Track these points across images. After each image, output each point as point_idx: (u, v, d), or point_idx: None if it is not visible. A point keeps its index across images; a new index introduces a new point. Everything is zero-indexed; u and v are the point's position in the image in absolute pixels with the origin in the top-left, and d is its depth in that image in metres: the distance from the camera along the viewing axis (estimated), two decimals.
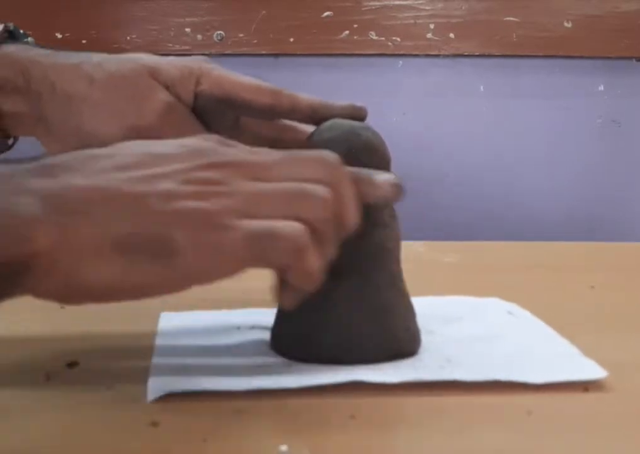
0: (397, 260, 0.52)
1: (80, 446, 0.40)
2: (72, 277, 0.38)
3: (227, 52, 1.19)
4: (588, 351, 0.50)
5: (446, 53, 1.22)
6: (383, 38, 1.21)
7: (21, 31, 0.61)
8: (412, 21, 1.21)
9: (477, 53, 1.22)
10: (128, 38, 1.19)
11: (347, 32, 1.21)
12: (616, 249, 0.93)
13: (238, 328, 0.56)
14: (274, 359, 0.50)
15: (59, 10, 1.18)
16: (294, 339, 0.50)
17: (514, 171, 1.25)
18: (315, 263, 0.43)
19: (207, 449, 0.40)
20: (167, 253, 0.39)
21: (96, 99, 0.55)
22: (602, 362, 0.48)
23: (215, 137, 0.45)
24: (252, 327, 0.56)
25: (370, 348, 0.49)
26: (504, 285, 0.70)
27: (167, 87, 0.56)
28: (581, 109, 1.25)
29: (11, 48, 0.57)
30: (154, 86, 0.56)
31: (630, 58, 1.24)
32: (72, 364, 0.50)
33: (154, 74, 0.56)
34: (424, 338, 0.53)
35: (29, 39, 0.61)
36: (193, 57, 0.59)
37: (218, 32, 1.20)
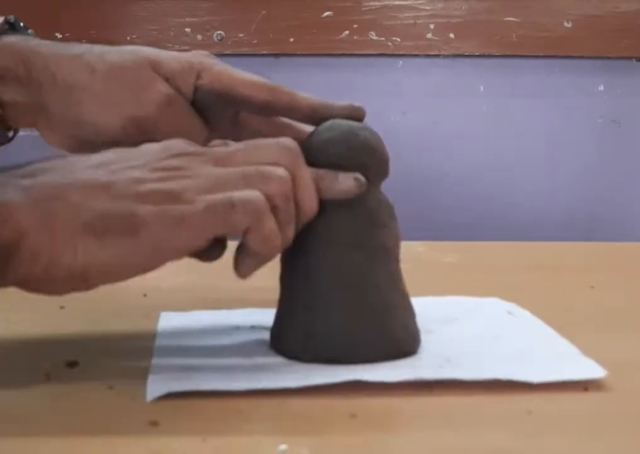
0: (396, 260, 0.52)
1: (80, 445, 0.40)
2: (51, 259, 0.42)
3: (227, 52, 1.19)
4: (587, 351, 0.50)
5: (446, 53, 1.22)
6: (383, 38, 1.21)
7: (22, 24, 0.61)
8: (412, 21, 1.21)
9: (477, 53, 1.22)
10: (128, 38, 1.19)
11: (347, 32, 1.21)
12: (616, 249, 0.93)
13: (238, 328, 0.56)
14: (274, 359, 0.50)
15: (59, 10, 1.18)
16: (294, 339, 0.50)
17: (514, 171, 1.25)
18: (274, 228, 0.46)
19: (207, 449, 0.40)
20: (133, 228, 0.43)
21: (96, 89, 0.56)
22: (602, 362, 0.48)
23: (185, 140, 0.49)
24: (252, 327, 0.56)
25: (369, 348, 0.49)
26: (504, 285, 0.70)
27: (167, 80, 0.56)
28: (581, 109, 1.25)
29: (12, 39, 0.57)
30: (154, 78, 0.56)
31: (630, 58, 1.24)
32: (72, 364, 0.50)
33: (154, 66, 0.56)
34: (424, 338, 0.53)
35: (30, 31, 0.61)
36: (194, 51, 0.60)
37: (218, 32, 1.20)
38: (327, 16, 1.20)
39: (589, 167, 1.26)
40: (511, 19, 1.21)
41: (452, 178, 1.25)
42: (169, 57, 0.58)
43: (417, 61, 1.23)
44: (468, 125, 1.25)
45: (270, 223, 0.45)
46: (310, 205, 0.48)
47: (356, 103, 0.55)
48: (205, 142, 0.52)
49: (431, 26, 1.21)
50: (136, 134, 0.55)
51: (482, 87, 1.24)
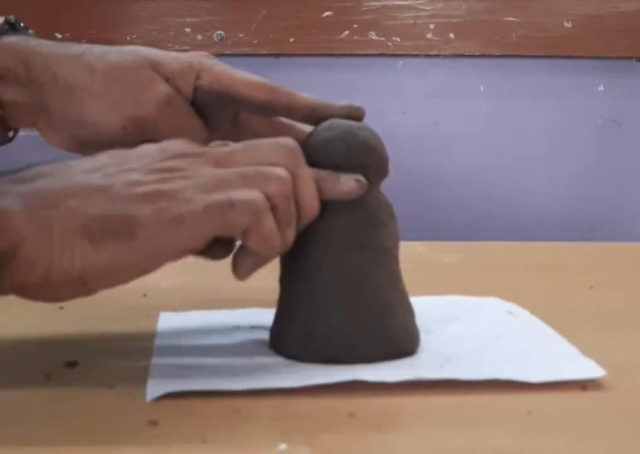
0: (396, 260, 0.52)
1: (80, 445, 0.40)
2: (50, 265, 0.41)
3: (227, 52, 1.19)
4: (587, 351, 0.50)
5: (446, 53, 1.22)
6: (383, 38, 1.21)
7: (22, 24, 0.61)
8: (412, 21, 1.21)
9: (477, 53, 1.22)
10: (128, 38, 1.19)
11: (347, 32, 1.21)
12: (616, 249, 0.93)
13: (238, 328, 0.56)
14: (274, 359, 0.50)
15: (59, 10, 1.18)
16: (294, 339, 0.50)
17: (514, 171, 1.25)
18: (273, 228, 0.45)
19: (207, 449, 0.40)
20: (131, 230, 0.42)
21: (96, 89, 0.56)
22: (601, 362, 0.48)
23: (185, 141, 0.49)
24: (252, 327, 0.56)
25: (369, 348, 0.49)
26: (504, 285, 0.70)
27: (167, 80, 0.56)
28: (581, 109, 1.25)
29: (12, 39, 0.58)
30: (154, 78, 0.56)
31: (630, 58, 1.24)
32: (72, 364, 0.50)
33: (154, 66, 0.57)
34: (424, 337, 0.53)
35: (30, 31, 0.61)
36: (194, 52, 0.60)
37: (218, 32, 1.20)
38: (327, 16, 1.20)
39: (589, 167, 1.26)
40: (511, 19, 1.21)
41: (452, 178, 1.25)
42: (169, 57, 0.58)
43: (417, 61, 1.23)
44: (468, 125, 1.25)
45: (270, 223, 0.45)
46: (312, 205, 0.48)
47: (356, 103, 0.55)
48: (205, 143, 0.51)
49: (431, 26, 1.21)
50: (136, 134, 0.55)
51: (482, 87, 1.24)
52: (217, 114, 0.58)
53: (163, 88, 0.56)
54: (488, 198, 1.25)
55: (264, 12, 1.20)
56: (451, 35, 1.21)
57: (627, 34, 1.22)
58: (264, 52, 1.21)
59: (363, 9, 1.21)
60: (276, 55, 1.22)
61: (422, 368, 0.48)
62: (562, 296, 0.69)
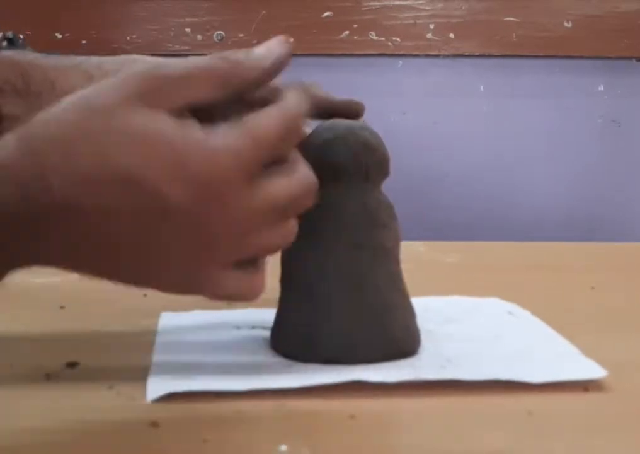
0: (396, 260, 0.52)
1: (80, 445, 0.40)
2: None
3: None
4: (588, 351, 0.50)
5: (446, 53, 1.22)
6: (383, 38, 1.21)
7: (20, 38, 0.61)
8: (412, 21, 1.21)
9: (477, 53, 1.22)
10: (128, 38, 1.19)
11: (347, 32, 1.21)
12: (616, 249, 0.93)
13: (238, 328, 0.56)
14: (274, 359, 0.50)
15: (59, 10, 1.18)
16: (294, 339, 0.50)
17: (514, 171, 1.25)
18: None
19: (207, 450, 0.40)
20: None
21: None
22: (602, 362, 0.48)
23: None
24: (252, 327, 0.56)
25: (369, 348, 0.49)
26: (504, 285, 0.70)
27: None
28: (581, 109, 1.25)
29: (10, 53, 0.58)
30: None
31: (630, 58, 1.24)
32: (72, 364, 0.50)
33: None
34: (424, 338, 0.53)
35: (28, 47, 0.61)
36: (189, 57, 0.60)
37: (218, 32, 1.20)
38: (327, 16, 1.20)
39: (589, 167, 1.26)
40: (511, 19, 1.21)
41: (452, 178, 1.25)
42: (167, 63, 0.58)
43: (417, 61, 1.23)
44: (468, 125, 1.25)
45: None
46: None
47: (355, 100, 0.55)
48: None
49: (431, 26, 1.21)
50: None
51: (482, 87, 1.24)
52: (215, 113, 0.58)
53: None
54: (488, 198, 1.25)
55: (264, 12, 1.20)
56: (451, 35, 1.21)
57: (627, 34, 1.22)
58: None
59: (363, 9, 1.21)
60: None
61: (423, 368, 0.48)
62: (563, 296, 0.69)
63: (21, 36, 0.62)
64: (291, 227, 0.44)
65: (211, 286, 0.42)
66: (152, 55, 1.12)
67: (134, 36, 1.19)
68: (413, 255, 0.79)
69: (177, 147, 0.39)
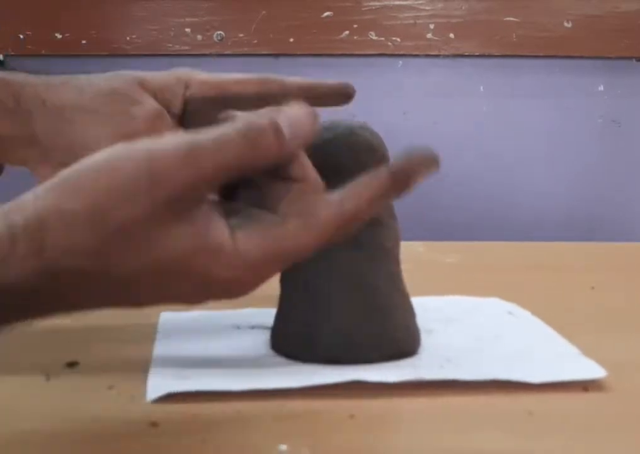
0: (396, 260, 0.52)
1: (80, 445, 0.40)
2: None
3: (227, 52, 1.19)
4: (588, 351, 0.50)
5: (446, 53, 1.22)
6: (383, 38, 1.21)
7: (8, 60, 0.62)
8: (412, 21, 1.21)
9: (477, 53, 1.22)
10: (128, 38, 1.19)
11: (347, 32, 1.21)
12: (616, 249, 0.93)
13: (238, 327, 0.57)
14: (274, 359, 0.50)
15: (59, 10, 1.18)
16: (294, 339, 0.50)
17: (514, 171, 1.25)
18: None
19: (207, 450, 0.40)
20: None
21: (85, 107, 0.56)
22: (602, 362, 0.48)
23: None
24: (252, 327, 0.56)
25: (369, 348, 0.49)
26: (504, 285, 0.70)
27: (154, 95, 0.57)
28: (581, 109, 1.25)
29: (1, 74, 0.58)
30: (141, 94, 0.57)
31: (630, 58, 1.24)
32: (72, 364, 0.50)
33: (141, 83, 0.57)
34: (424, 338, 0.53)
35: (18, 72, 0.62)
36: (181, 68, 0.60)
37: (218, 32, 1.19)
38: (327, 16, 1.20)
39: (589, 167, 1.26)
40: (511, 19, 1.21)
41: (452, 178, 1.24)
42: (154, 74, 0.59)
43: (417, 61, 1.23)
44: (468, 125, 1.25)
45: None
46: None
47: (346, 82, 0.57)
48: None
49: (431, 26, 1.21)
50: None
51: (482, 88, 1.24)
52: (212, 123, 0.58)
53: (151, 103, 0.57)
54: (488, 198, 1.25)
55: (264, 12, 1.20)
56: (451, 35, 1.21)
57: (627, 34, 1.22)
58: (264, 52, 1.21)
59: (363, 9, 1.21)
60: (276, 55, 1.21)
61: (423, 368, 0.48)
62: (563, 296, 0.69)
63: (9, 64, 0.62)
64: None
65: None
66: (152, 55, 1.13)
67: (134, 36, 1.19)
68: (413, 255, 0.79)
69: (204, 265, 0.38)
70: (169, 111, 0.57)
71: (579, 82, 1.24)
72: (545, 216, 1.25)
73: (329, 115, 0.57)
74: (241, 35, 1.20)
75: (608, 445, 0.41)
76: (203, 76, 0.58)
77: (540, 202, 1.25)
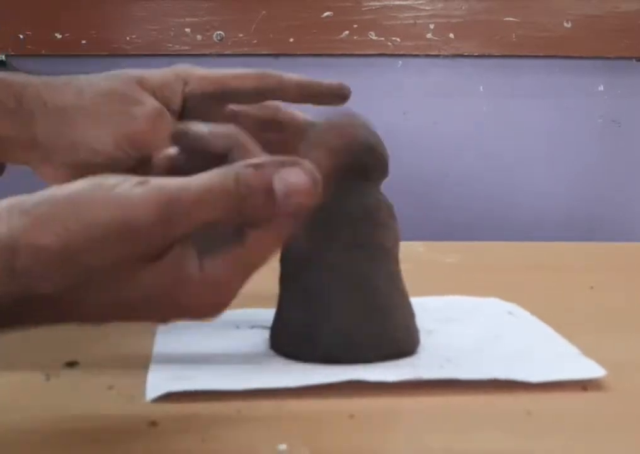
0: (396, 260, 0.52)
1: (79, 445, 0.40)
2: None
3: (227, 52, 1.19)
4: (587, 351, 0.50)
5: (446, 53, 1.22)
6: (383, 38, 1.21)
7: (11, 64, 0.62)
8: (412, 21, 1.21)
9: (477, 54, 1.22)
10: (128, 38, 1.19)
11: (347, 32, 1.21)
12: (616, 249, 0.93)
13: (237, 327, 0.57)
14: (273, 359, 0.50)
15: (59, 10, 1.18)
16: (293, 339, 0.50)
17: (514, 171, 1.25)
18: None
19: (206, 449, 0.40)
20: None
21: (86, 107, 0.56)
22: (602, 362, 0.48)
23: None
24: (252, 327, 0.56)
25: (369, 348, 0.49)
26: (504, 285, 0.70)
27: (154, 93, 0.57)
28: (581, 109, 1.25)
29: (2, 74, 0.58)
30: (141, 93, 0.57)
31: (630, 58, 1.24)
32: (72, 364, 0.50)
33: (140, 82, 0.58)
34: (424, 338, 0.53)
35: (20, 72, 0.62)
36: (179, 64, 0.60)
37: (218, 32, 1.20)
38: (327, 16, 1.20)
39: (589, 167, 1.26)
40: (511, 19, 1.21)
41: (452, 178, 1.25)
42: (153, 71, 0.59)
43: (417, 61, 1.23)
44: (468, 125, 1.25)
45: None
46: None
47: (343, 83, 0.57)
48: None
49: (431, 26, 1.21)
50: (130, 151, 0.56)
51: (482, 88, 1.24)
52: (214, 118, 0.59)
53: (151, 102, 0.57)
54: (488, 198, 1.25)
55: (264, 12, 1.20)
56: (451, 35, 1.21)
57: (627, 34, 1.22)
58: (264, 52, 1.21)
59: (363, 9, 1.21)
60: (276, 55, 1.22)
61: (423, 368, 0.48)
62: (562, 296, 0.69)
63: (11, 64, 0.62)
64: None
65: None
66: (152, 55, 1.13)
67: (134, 36, 1.19)
68: (413, 255, 0.79)
69: (177, 302, 0.40)
70: (168, 109, 0.57)
71: (579, 82, 1.24)
72: (545, 216, 1.25)
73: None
74: (241, 35, 1.20)
75: (607, 445, 0.41)
76: (201, 72, 0.59)
77: (540, 202, 1.25)
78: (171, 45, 1.19)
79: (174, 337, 0.55)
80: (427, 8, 1.21)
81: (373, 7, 1.21)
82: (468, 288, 0.66)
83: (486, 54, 1.22)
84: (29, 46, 1.18)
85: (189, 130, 0.45)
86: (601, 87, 1.24)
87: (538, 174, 1.25)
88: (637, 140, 1.26)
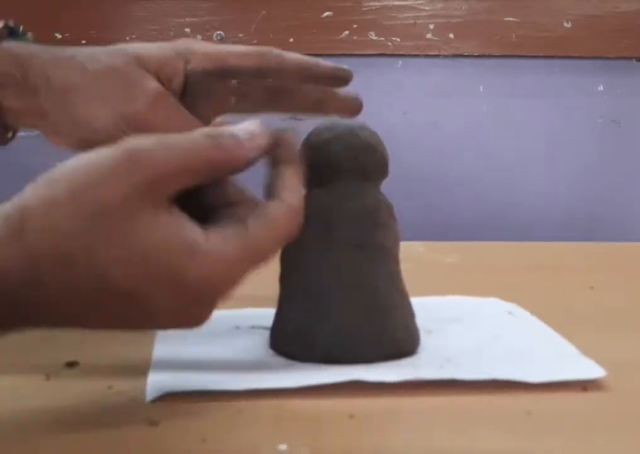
0: (396, 260, 0.52)
1: (79, 445, 0.40)
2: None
3: None
4: (587, 351, 0.50)
5: (446, 53, 1.22)
6: (383, 38, 1.21)
7: (21, 28, 0.61)
8: (412, 21, 1.21)
9: (477, 54, 1.22)
10: (128, 38, 1.19)
11: (347, 32, 1.21)
12: (616, 249, 0.93)
13: (238, 327, 0.57)
14: (273, 359, 0.50)
15: (59, 10, 1.18)
16: (293, 339, 0.50)
17: (514, 171, 1.25)
18: None
19: (206, 449, 0.40)
20: None
21: (88, 88, 0.56)
22: (602, 362, 0.48)
23: None
24: (252, 327, 0.56)
25: (369, 348, 0.49)
26: (504, 285, 0.70)
27: (156, 73, 0.57)
28: (581, 109, 1.25)
29: (11, 44, 0.58)
30: (142, 74, 0.57)
31: (630, 58, 1.23)
32: (71, 364, 0.50)
33: (140, 62, 0.57)
34: (424, 338, 0.53)
35: (29, 35, 0.62)
36: (181, 39, 0.60)
37: (218, 32, 1.20)
38: (327, 16, 1.20)
39: (589, 167, 1.26)
40: (511, 19, 1.21)
41: (452, 178, 1.24)
42: (154, 48, 0.58)
43: (417, 61, 1.23)
44: (468, 125, 1.25)
45: None
46: None
47: (344, 67, 0.57)
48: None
49: (431, 26, 1.21)
50: (129, 131, 0.55)
51: (482, 88, 1.24)
52: (216, 93, 0.59)
53: (151, 83, 0.57)
54: (488, 198, 1.25)
55: (264, 12, 1.20)
56: (451, 35, 1.21)
57: (627, 34, 1.22)
58: None
59: (363, 9, 1.21)
60: None
61: (423, 368, 0.48)
62: (562, 296, 0.69)
63: (21, 27, 0.62)
64: None
65: None
66: None
67: (134, 36, 1.19)
68: (413, 255, 0.79)
69: (179, 262, 0.38)
70: (170, 87, 0.57)
71: (579, 82, 1.24)
72: (545, 216, 1.25)
73: None
74: (241, 35, 1.20)
75: (607, 445, 0.41)
76: (203, 48, 0.58)
77: (540, 202, 1.25)
78: None
79: (174, 338, 0.55)
80: (427, 8, 1.21)
81: (373, 7, 1.20)
82: (468, 288, 0.66)
83: (486, 54, 1.22)
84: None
85: None
86: (601, 87, 1.24)
87: (538, 174, 1.25)
88: (637, 140, 1.26)
